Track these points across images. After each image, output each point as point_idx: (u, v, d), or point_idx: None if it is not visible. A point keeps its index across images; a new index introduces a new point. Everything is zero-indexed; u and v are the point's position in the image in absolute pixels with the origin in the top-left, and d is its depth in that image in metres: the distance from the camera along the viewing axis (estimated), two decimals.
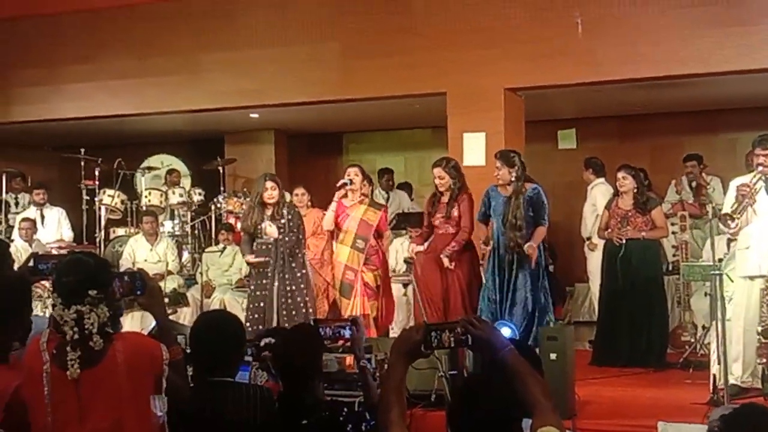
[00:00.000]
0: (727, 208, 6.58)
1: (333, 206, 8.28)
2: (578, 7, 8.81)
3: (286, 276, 7.83)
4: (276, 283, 7.83)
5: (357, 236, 8.18)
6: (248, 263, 8.20)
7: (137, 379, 3.20)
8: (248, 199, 10.92)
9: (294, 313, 7.80)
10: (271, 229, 7.82)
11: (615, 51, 8.73)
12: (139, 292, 3.45)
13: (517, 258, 7.47)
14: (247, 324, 7.56)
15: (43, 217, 11.31)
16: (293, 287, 7.85)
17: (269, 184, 7.92)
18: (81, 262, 3.32)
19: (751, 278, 6.46)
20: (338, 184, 8.31)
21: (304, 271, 7.95)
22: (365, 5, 9.75)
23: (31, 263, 3.91)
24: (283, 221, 7.86)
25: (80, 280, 3.19)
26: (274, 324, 7.61)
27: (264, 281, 7.89)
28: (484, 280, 7.75)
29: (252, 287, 8.07)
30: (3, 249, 3.87)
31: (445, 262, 7.74)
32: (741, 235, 6.49)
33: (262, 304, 7.84)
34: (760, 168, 6.45)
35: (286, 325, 7.45)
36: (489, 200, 7.72)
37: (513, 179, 7.54)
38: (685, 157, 10.37)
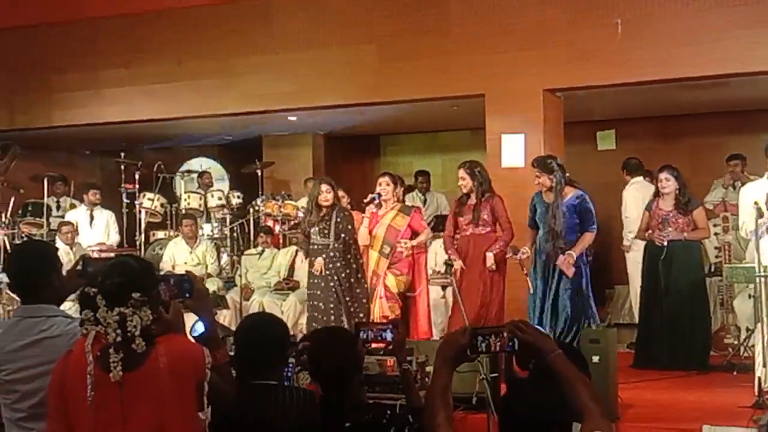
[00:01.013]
0: (744, 216, 6.57)
1: (365, 222, 8.44)
2: (617, 8, 8.76)
3: (339, 279, 8.15)
4: (331, 286, 8.17)
5: (384, 241, 8.36)
6: (311, 265, 8.45)
7: (179, 382, 3.20)
8: (286, 202, 11.14)
9: (346, 315, 8.10)
10: (317, 267, 8.21)
11: (653, 51, 8.66)
12: (187, 295, 3.47)
13: (557, 268, 7.47)
14: (310, 323, 8.15)
15: (92, 217, 11.41)
16: (344, 290, 8.16)
17: (324, 187, 8.28)
18: (125, 264, 3.34)
19: None
20: (367, 200, 8.45)
21: (354, 276, 8.21)
22: (402, 7, 9.75)
23: (80, 266, 3.94)
24: (330, 225, 8.14)
25: (124, 282, 3.20)
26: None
27: (317, 281, 8.26)
28: (529, 286, 7.71)
29: (308, 290, 8.46)
30: (52, 252, 3.90)
31: (489, 260, 7.76)
32: None
33: (320, 305, 8.20)
34: None
35: (335, 323, 7.87)
36: (535, 207, 7.75)
37: (553, 185, 7.52)
38: (728, 157, 10.24)
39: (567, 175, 7.66)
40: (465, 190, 8.00)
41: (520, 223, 7.97)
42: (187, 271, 3.85)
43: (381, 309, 8.24)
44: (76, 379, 3.17)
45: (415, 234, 8.45)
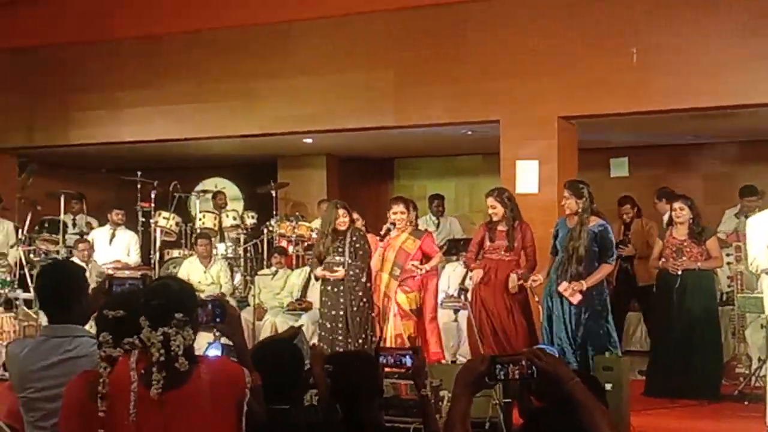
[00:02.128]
0: (753, 251, 6.59)
1: (379, 251, 8.49)
2: (633, 37, 8.83)
3: (351, 300, 8.15)
4: (342, 306, 8.17)
5: (395, 264, 8.42)
6: (317, 277, 8.47)
7: (220, 401, 3.23)
8: (300, 223, 11.22)
9: (357, 337, 8.12)
10: (338, 274, 8.18)
11: (668, 81, 8.72)
12: (218, 320, 3.53)
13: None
14: (319, 342, 8.12)
15: (113, 236, 11.46)
16: (354, 308, 8.16)
17: (341, 211, 8.29)
18: (167, 286, 3.39)
19: None
20: (383, 232, 8.52)
21: (362, 293, 8.21)
22: (419, 33, 9.84)
23: (105, 285, 4.02)
24: (347, 246, 8.18)
25: (168, 303, 3.27)
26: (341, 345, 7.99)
27: (329, 302, 8.27)
28: (541, 312, 7.72)
29: (321, 308, 8.46)
30: (82, 273, 3.98)
31: (513, 282, 7.78)
32: None
33: (329, 325, 8.19)
34: None
35: (340, 346, 7.78)
36: (557, 232, 7.75)
37: (579, 210, 7.53)
38: (745, 192, 10.18)
39: (594, 205, 7.69)
40: (496, 218, 7.97)
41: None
42: (218, 295, 3.92)
43: (395, 327, 8.26)
44: (118, 397, 3.22)
45: (426, 257, 8.48)
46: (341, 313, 8.18)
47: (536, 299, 7.83)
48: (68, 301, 3.76)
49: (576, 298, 7.41)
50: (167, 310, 3.23)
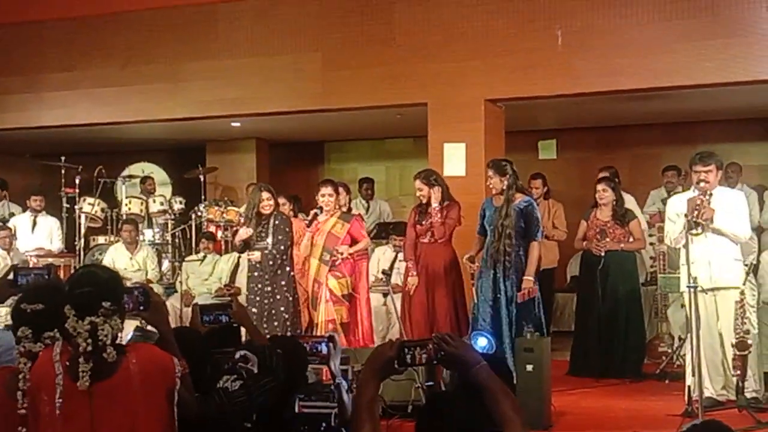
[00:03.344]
0: (667, 223, 6.74)
1: (308, 236, 8.41)
2: (559, 20, 8.87)
3: (272, 284, 8.09)
4: (264, 290, 8.12)
5: (324, 249, 8.31)
6: (249, 260, 8.38)
7: (150, 391, 3.19)
8: (229, 208, 11.11)
9: (275, 322, 8.07)
10: (254, 256, 8.12)
11: (595, 63, 8.79)
12: (141, 308, 3.47)
13: (505, 270, 7.35)
14: None
15: (35, 224, 11.24)
16: (276, 296, 8.11)
17: (265, 195, 8.24)
18: (93, 274, 3.33)
19: (704, 291, 6.51)
20: (310, 217, 8.44)
21: (284, 282, 8.14)
22: (347, 16, 9.78)
23: (10, 276, 3.91)
24: (269, 230, 8.12)
25: (94, 291, 3.19)
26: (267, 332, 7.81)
27: (255, 287, 8.22)
28: (473, 295, 7.63)
29: (248, 293, 8.37)
30: None
31: (411, 284, 7.83)
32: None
33: (255, 311, 8.08)
34: (702, 185, 6.56)
35: (266, 333, 7.59)
36: (484, 212, 7.63)
37: (504, 188, 7.47)
38: (664, 168, 10.44)
39: (519, 182, 7.67)
40: (424, 200, 7.93)
41: (462, 230, 8.00)
42: (143, 283, 3.86)
43: (327, 313, 8.18)
44: (42, 390, 3.15)
45: (354, 242, 8.44)
46: (266, 300, 8.12)
47: (472, 281, 7.75)
48: None
49: (534, 293, 7.31)
50: (95, 298, 3.17)
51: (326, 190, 8.42)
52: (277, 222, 8.20)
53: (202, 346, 3.89)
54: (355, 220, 8.60)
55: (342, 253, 8.23)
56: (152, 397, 3.21)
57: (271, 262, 8.14)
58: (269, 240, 8.17)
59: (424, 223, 7.94)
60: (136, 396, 3.16)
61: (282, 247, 8.15)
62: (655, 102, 10.11)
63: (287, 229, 8.23)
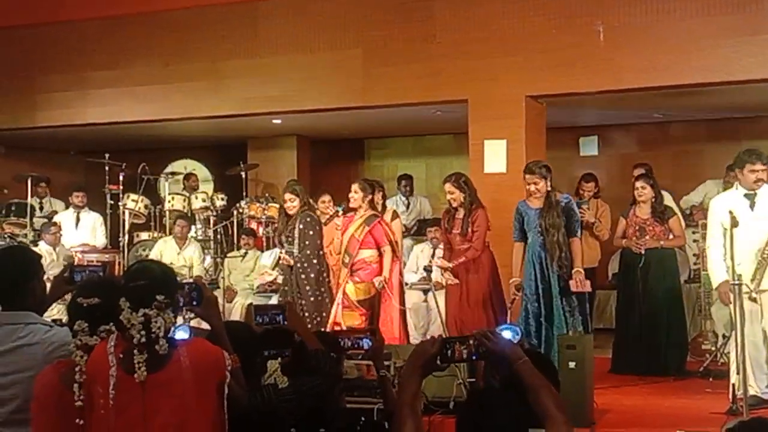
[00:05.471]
0: (712, 228, 6.63)
1: (337, 234, 8.48)
2: (600, 16, 8.83)
3: (305, 284, 8.18)
4: (297, 290, 8.22)
5: (346, 251, 8.31)
6: (281, 263, 8.54)
7: (201, 383, 3.23)
8: (270, 204, 11.22)
9: (312, 320, 8.12)
10: (287, 259, 8.27)
11: (636, 59, 8.73)
12: (195, 303, 3.51)
13: (557, 270, 7.28)
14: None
15: (78, 220, 11.40)
16: (309, 295, 8.19)
17: (287, 195, 8.37)
18: (148, 268, 3.40)
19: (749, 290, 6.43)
20: (332, 212, 8.68)
21: (310, 282, 8.20)
22: (388, 13, 9.80)
23: (67, 273, 3.97)
24: (294, 234, 8.20)
25: (148, 285, 3.25)
26: None
27: (286, 286, 8.38)
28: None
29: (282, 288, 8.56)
30: (36, 259, 3.91)
31: (448, 279, 7.78)
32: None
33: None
34: (759, 183, 6.50)
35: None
36: (521, 216, 7.50)
37: (549, 189, 7.38)
38: (728, 166, 10.14)
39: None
40: (455, 204, 7.85)
41: (499, 227, 7.94)
42: (196, 278, 3.91)
43: (335, 316, 8.17)
44: (97, 382, 3.20)
45: (378, 247, 8.27)
46: (297, 299, 8.15)
47: (517, 295, 7.62)
48: (21, 288, 3.68)
49: (587, 286, 7.28)
50: (149, 291, 3.22)
51: (353, 187, 8.44)
52: (302, 226, 8.22)
53: (253, 341, 3.93)
54: (377, 224, 8.34)
55: (379, 283, 8.19)
56: (203, 390, 3.24)
57: (299, 265, 8.22)
58: (294, 248, 8.22)
59: (453, 231, 7.88)
60: (187, 388, 3.20)
61: (308, 252, 8.20)
62: (697, 97, 10.01)
63: (312, 233, 8.23)
